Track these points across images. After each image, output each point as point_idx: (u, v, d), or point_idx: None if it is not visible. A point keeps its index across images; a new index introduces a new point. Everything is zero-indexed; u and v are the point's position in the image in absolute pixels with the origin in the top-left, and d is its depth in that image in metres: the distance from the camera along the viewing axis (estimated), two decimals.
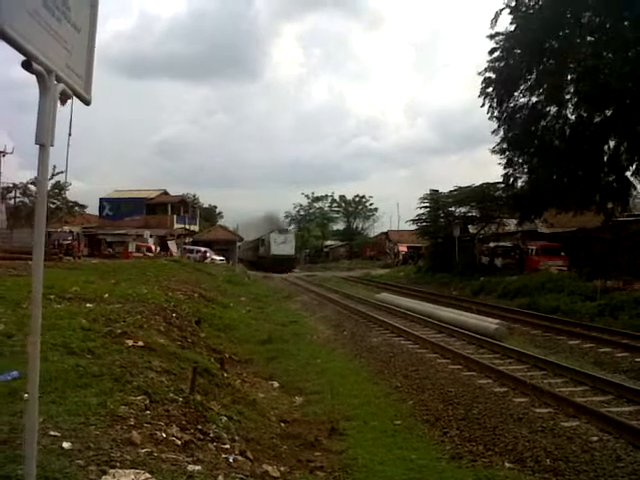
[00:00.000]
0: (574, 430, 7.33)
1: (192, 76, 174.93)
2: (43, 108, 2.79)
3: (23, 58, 2.59)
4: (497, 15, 29.52)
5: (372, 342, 14.60)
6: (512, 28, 29.35)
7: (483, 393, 9.22)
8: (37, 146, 2.83)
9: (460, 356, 12.09)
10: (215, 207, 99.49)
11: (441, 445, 7.26)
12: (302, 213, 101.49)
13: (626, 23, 24.84)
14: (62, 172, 41.45)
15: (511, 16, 29.34)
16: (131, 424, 5.01)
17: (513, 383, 9.72)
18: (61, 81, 2.91)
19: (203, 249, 59.46)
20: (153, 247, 53.77)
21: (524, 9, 28.94)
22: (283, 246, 59.38)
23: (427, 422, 8.16)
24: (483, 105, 31.75)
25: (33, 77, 2.65)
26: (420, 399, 9.25)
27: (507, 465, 6.49)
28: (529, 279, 26.41)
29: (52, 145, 2.87)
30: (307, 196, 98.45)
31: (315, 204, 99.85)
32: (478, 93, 31.79)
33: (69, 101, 3.10)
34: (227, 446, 5.61)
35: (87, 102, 3.33)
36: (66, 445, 4.20)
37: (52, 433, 4.37)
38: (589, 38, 26.77)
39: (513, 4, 29.11)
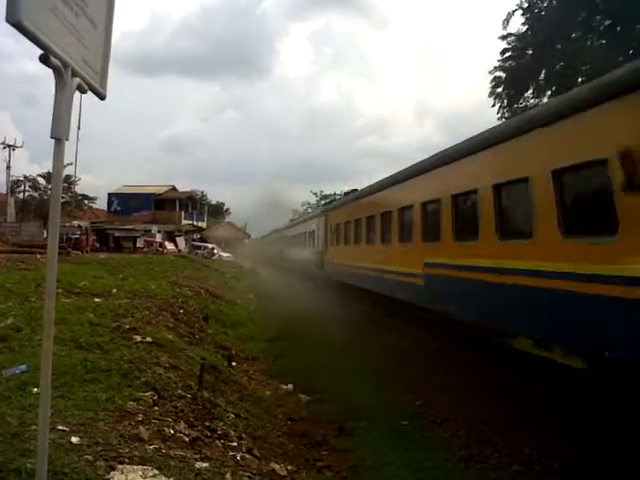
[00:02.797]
0: None
1: (202, 74, 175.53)
2: (59, 102, 2.78)
3: (39, 52, 2.58)
4: (509, 16, 29.61)
5: (384, 342, 14.47)
6: (524, 29, 29.46)
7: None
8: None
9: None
10: (223, 204, 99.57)
11: (449, 447, 7.20)
12: (309, 211, 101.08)
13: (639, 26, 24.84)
14: (70, 164, 42.04)
15: (523, 18, 29.46)
16: (139, 420, 5.01)
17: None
18: (77, 75, 2.90)
19: (210, 245, 59.78)
20: (164, 242, 54.05)
21: (536, 11, 28.99)
22: None
23: (434, 423, 8.11)
24: (493, 105, 31.82)
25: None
26: (428, 399, 9.18)
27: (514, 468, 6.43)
28: None
29: (67, 139, 2.86)
30: (315, 194, 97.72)
31: (323, 202, 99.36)
32: (487, 94, 31.87)
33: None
34: (234, 444, 5.60)
35: (102, 97, 3.33)
36: (75, 440, 4.20)
37: (60, 427, 4.37)
38: (601, 41, 26.73)
39: (526, 5, 29.17)
